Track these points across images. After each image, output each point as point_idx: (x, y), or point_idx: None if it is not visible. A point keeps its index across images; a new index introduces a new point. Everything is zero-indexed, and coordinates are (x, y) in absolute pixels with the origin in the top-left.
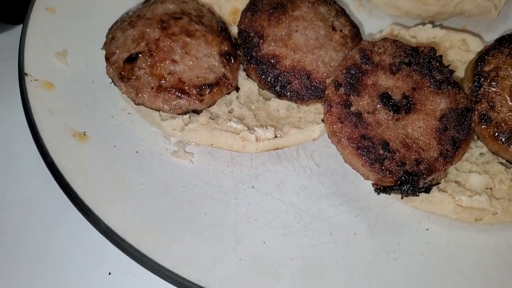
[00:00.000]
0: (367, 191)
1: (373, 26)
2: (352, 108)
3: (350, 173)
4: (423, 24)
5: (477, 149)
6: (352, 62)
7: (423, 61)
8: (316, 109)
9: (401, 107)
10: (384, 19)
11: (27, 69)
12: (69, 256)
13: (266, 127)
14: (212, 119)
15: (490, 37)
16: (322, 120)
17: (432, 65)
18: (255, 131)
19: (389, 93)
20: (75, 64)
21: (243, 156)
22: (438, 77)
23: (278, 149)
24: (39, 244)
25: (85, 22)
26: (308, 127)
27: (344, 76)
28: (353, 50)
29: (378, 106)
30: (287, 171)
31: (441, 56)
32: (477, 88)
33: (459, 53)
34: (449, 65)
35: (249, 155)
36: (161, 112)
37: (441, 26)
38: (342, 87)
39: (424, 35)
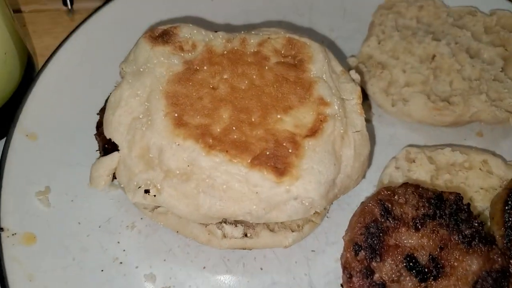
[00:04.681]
0: None
1: (382, 132)
2: (375, 277)
3: None
4: (442, 147)
5: None
6: (371, 218)
7: (449, 211)
8: None
9: (428, 272)
10: (394, 125)
11: (3, 223)
12: None
13: (235, 225)
14: None
15: (507, 144)
16: (341, 286)
17: (459, 216)
18: (223, 227)
19: (414, 254)
20: (58, 203)
21: None
22: (467, 232)
23: (245, 249)
24: None
25: (69, 148)
26: (281, 232)
27: (364, 237)
28: (371, 201)
29: (403, 272)
30: None
31: (468, 205)
32: (510, 237)
33: (481, 175)
34: (479, 215)
35: None
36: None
37: (461, 150)
38: (362, 251)
39: (443, 159)
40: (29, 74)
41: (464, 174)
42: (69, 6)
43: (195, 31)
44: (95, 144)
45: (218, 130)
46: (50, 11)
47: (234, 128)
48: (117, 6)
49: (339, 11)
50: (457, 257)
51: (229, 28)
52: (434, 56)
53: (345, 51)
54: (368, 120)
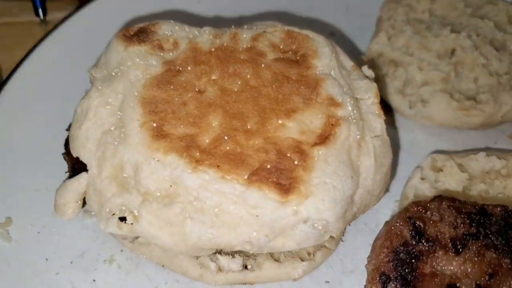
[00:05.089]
0: None
1: (400, 140)
2: None
3: None
4: (474, 152)
5: None
6: (399, 240)
7: (496, 229)
8: None
9: None
10: (413, 130)
11: None
12: None
13: (232, 256)
14: None
15: None
16: None
17: (509, 235)
18: (217, 258)
19: (457, 284)
20: (22, 236)
21: None
22: None
23: (246, 284)
24: None
25: (34, 171)
26: (288, 263)
27: (393, 265)
28: (398, 220)
29: None
30: None
31: None
32: None
33: None
34: None
35: None
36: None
37: (498, 154)
38: (391, 282)
39: (476, 166)
40: None
41: (501, 183)
42: (41, 17)
43: (177, 28)
44: (64, 165)
45: (207, 141)
46: (22, 23)
47: (226, 137)
48: (92, 12)
49: (341, 8)
50: (511, 286)
51: (218, 23)
52: (453, 51)
53: (350, 52)
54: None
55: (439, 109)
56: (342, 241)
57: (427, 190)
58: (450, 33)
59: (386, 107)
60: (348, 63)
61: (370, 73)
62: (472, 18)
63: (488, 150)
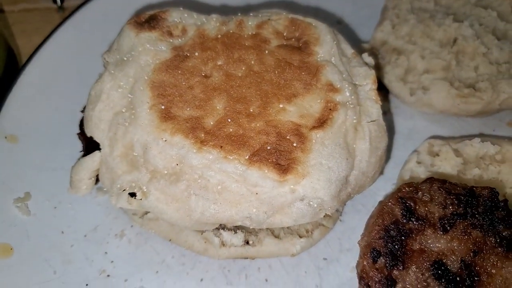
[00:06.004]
0: None
1: (400, 125)
2: (397, 287)
3: None
4: (470, 138)
5: None
6: (391, 218)
7: (483, 209)
8: None
9: (460, 281)
10: (413, 117)
11: None
12: None
13: (235, 231)
14: None
15: None
16: None
17: (495, 215)
18: (220, 234)
19: (444, 260)
20: (39, 211)
21: None
22: (505, 233)
23: (247, 258)
24: None
25: (52, 150)
26: (287, 239)
27: (383, 241)
28: (390, 200)
29: (431, 281)
30: None
31: (506, 202)
32: None
33: None
34: None
35: None
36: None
37: (492, 140)
38: (381, 257)
39: (471, 151)
40: (10, 73)
41: (496, 168)
42: (59, 3)
43: (185, 15)
44: (79, 145)
45: (211, 123)
46: (40, 9)
47: (229, 120)
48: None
49: None
50: (494, 263)
51: (225, 10)
52: (455, 40)
53: (355, 40)
54: (385, 112)
55: (439, 97)
56: (340, 221)
57: (422, 174)
58: (452, 22)
59: (384, 93)
60: (349, 50)
61: (370, 60)
62: (475, 8)
63: (482, 136)
